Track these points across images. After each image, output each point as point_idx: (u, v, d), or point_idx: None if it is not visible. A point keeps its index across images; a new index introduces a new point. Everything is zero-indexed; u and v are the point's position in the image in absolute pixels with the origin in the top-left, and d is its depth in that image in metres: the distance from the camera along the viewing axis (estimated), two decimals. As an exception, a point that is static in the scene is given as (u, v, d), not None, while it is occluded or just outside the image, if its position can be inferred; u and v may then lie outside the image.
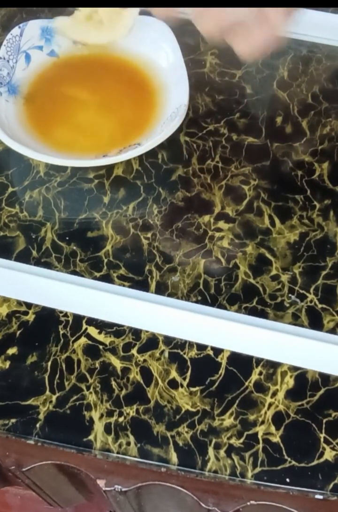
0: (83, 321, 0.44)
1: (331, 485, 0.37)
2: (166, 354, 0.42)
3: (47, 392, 0.41)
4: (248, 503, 0.43)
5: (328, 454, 0.38)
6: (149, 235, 0.48)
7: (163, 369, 0.41)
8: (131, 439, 0.39)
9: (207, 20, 0.42)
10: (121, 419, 0.40)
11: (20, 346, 0.43)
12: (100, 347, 0.42)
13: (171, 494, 0.46)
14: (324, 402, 0.40)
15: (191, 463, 0.38)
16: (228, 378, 0.41)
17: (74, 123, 0.52)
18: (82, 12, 0.50)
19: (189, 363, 0.42)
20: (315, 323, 0.43)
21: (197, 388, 0.41)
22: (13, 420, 0.40)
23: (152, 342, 0.43)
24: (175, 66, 0.53)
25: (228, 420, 0.40)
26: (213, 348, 0.42)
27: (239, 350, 0.42)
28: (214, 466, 0.38)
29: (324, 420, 0.39)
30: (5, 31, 0.54)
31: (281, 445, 0.39)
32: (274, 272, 0.46)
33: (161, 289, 0.45)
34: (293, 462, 0.38)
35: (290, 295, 0.44)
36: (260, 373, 0.41)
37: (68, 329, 0.43)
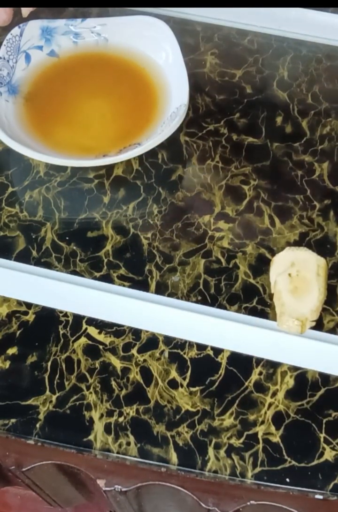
0: (83, 321, 0.44)
1: (331, 485, 0.37)
2: (166, 354, 0.42)
3: (47, 392, 0.41)
4: (248, 503, 0.43)
5: (328, 454, 0.38)
6: (149, 235, 0.48)
7: (163, 369, 0.41)
8: (131, 439, 0.39)
9: None
10: (121, 419, 0.40)
11: (20, 346, 0.43)
12: (100, 347, 0.42)
13: (171, 494, 0.46)
14: (324, 402, 0.40)
15: (191, 463, 0.38)
16: (228, 378, 0.41)
17: (74, 123, 0.52)
18: None
19: (189, 363, 0.42)
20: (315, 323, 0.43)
21: (197, 388, 0.41)
22: (13, 420, 0.40)
23: (152, 342, 0.43)
24: (175, 66, 0.53)
25: (228, 420, 0.40)
26: (213, 348, 0.42)
27: (239, 350, 0.42)
28: (214, 466, 0.38)
29: (324, 420, 0.39)
30: (5, 31, 0.54)
31: (281, 445, 0.39)
32: (274, 272, 0.45)
33: (161, 289, 0.45)
34: (293, 462, 0.38)
35: (290, 295, 0.44)
36: (260, 373, 0.41)
37: (68, 329, 0.43)
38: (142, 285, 0.45)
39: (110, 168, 0.51)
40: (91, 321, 0.44)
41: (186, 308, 0.44)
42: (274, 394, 0.40)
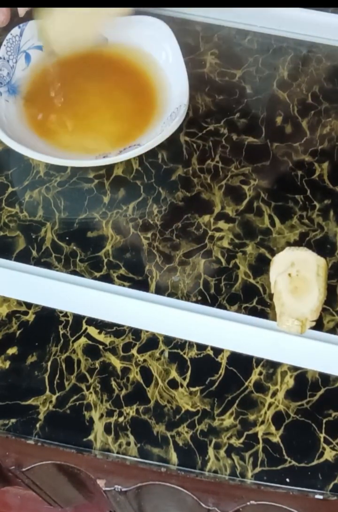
0: (83, 321, 0.44)
1: (331, 485, 0.37)
2: (166, 354, 0.42)
3: (47, 392, 0.41)
4: (248, 503, 0.43)
5: (328, 454, 0.38)
6: (149, 235, 0.48)
7: (163, 369, 0.42)
8: (131, 439, 0.39)
9: None
10: (121, 419, 0.40)
11: (20, 346, 0.43)
12: (100, 347, 0.42)
13: (171, 494, 0.46)
14: (324, 402, 0.40)
15: (191, 463, 0.38)
16: (228, 378, 0.41)
17: (74, 123, 0.52)
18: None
19: (189, 363, 0.42)
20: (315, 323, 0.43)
21: (197, 388, 0.41)
22: (13, 420, 0.40)
23: (152, 342, 0.43)
24: (175, 66, 0.53)
25: (228, 420, 0.40)
26: (213, 348, 0.42)
27: (239, 350, 0.42)
28: (214, 466, 0.38)
29: (324, 420, 0.39)
30: (5, 31, 0.54)
31: (281, 445, 0.39)
32: (274, 272, 0.45)
33: (161, 289, 0.45)
34: (293, 462, 0.38)
35: (290, 295, 0.44)
36: (260, 373, 0.41)
37: (68, 329, 0.43)
38: (142, 285, 0.45)
39: (110, 168, 0.51)
40: (91, 321, 0.44)
41: (186, 308, 0.44)
42: (274, 394, 0.40)
